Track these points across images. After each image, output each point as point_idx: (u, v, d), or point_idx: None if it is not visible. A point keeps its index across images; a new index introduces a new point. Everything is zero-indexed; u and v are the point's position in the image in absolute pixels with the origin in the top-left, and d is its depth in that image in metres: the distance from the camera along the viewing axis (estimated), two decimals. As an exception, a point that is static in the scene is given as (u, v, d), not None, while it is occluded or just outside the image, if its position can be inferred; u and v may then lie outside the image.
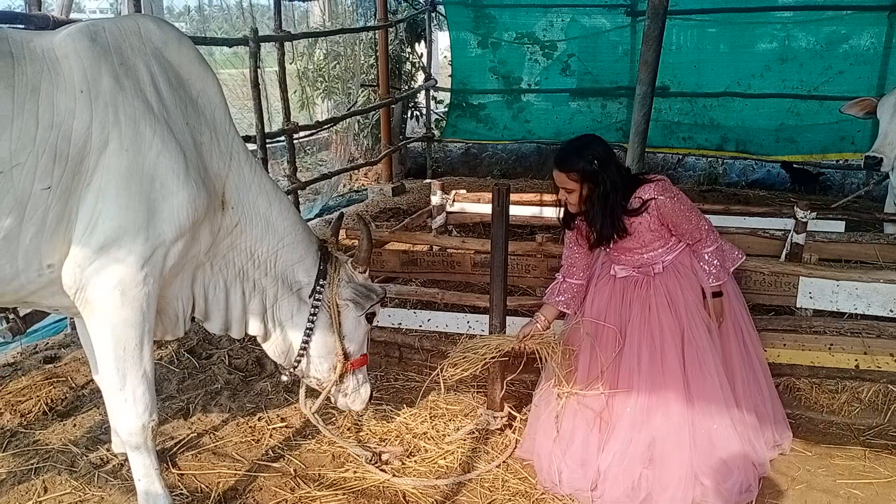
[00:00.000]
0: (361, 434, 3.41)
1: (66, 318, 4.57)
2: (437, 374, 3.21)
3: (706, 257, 3.08)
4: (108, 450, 3.19)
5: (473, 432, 3.39)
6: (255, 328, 2.91)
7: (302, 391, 3.19)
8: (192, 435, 3.38)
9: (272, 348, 2.99)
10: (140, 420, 2.48)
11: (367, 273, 3.01)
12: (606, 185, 2.93)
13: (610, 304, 3.13)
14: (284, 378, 3.08)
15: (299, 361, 2.96)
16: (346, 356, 2.96)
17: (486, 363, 3.21)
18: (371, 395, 3.18)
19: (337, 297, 2.91)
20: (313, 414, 3.14)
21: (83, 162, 2.26)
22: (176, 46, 2.51)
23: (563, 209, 3.14)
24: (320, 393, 3.08)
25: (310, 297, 2.89)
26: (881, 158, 4.23)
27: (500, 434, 3.39)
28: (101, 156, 2.28)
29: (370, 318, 3.03)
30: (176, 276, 2.62)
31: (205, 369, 4.04)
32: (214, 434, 3.40)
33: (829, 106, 7.46)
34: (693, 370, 2.97)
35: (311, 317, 2.88)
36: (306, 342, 2.91)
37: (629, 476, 2.90)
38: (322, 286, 2.90)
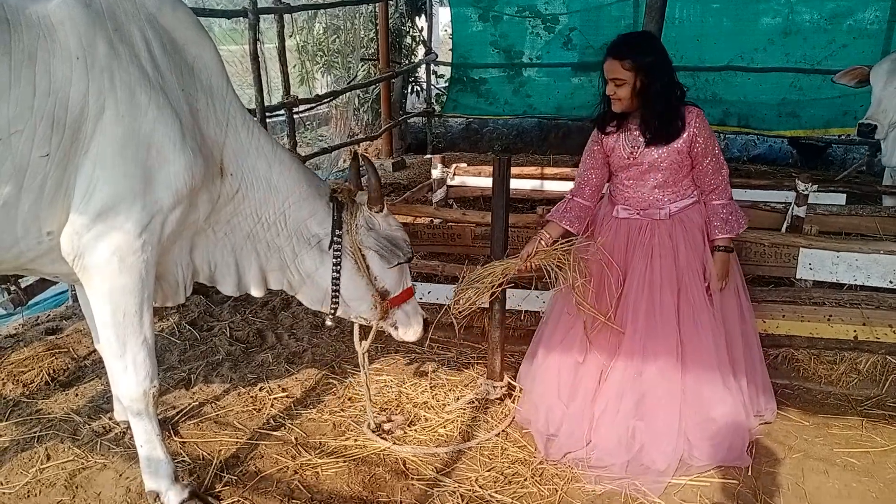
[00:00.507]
0: (361, 403, 3.43)
1: (67, 290, 4.59)
2: (446, 312, 3.20)
3: (718, 208, 3.03)
4: (110, 418, 3.21)
5: (473, 402, 3.41)
6: (277, 283, 2.94)
7: (356, 330, 3.20)
8: (193, 404, 3.40)
9: (307, 299, 3.02)
10: (141, 386, 2.49)
11: (384, 211, 2.98)
12: (662, 79, 2.85)
13: (614, 247, 3.09)
14: (329, 322, 3.08)
15: (335, 307, 2.97)
16: (382, 295, 2.99)
17: (495, 291, 3.17)
18: (426, 325, 3.17)
19: (359, 243, 2.91)
20: (362, 354, 3.16)
21: (80, 129, 2.25)
22: (171, 12, 2.48)
23: (604, 107, 3.03)
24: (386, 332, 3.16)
25: (329, 248, 2.88)
26: (875, 126, 4.21)
27: (499, 404, 3.41)
28: (97, 123, 2.26)
29: None
30: (174, 243, 2.62)
31: (206, 341, 4.06)
32: (216, 403, 3.43)
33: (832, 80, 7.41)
34: (687, 326, 2.97)
35: (334, 267, 2.88)
36: (336, 290, 2.92)
37: (622, 427, 2.93)
38: (339, 235, 2.88)
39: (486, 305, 3.30)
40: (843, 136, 7.74)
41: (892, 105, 4.20)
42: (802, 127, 7.79)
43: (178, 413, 3.32)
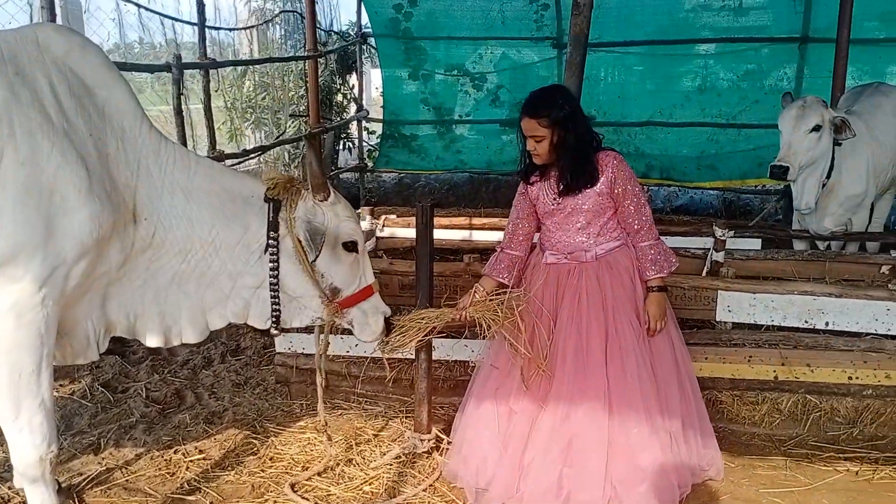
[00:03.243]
0: (283, 463, 3.29)
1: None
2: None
3: (646, 250, 3.06)
4: (9, 487, 2.98)
5: (400, 457, 3.31)
6: (221, 319, 2.77)
7: (316, 333, 3.03)
8: (101, 470, 3.19)
9: (258, 320, 2.82)
10: (37, 451, 2.33)
11: (330, 197, 2.77)
12: (578, 130, 2.94)
13: (545, 294, 3.09)
14: (273, 332, 2.86)
15: (276, 314, 2.79)
16: (332, 293, 2.82)
17: (424, 338, 3.09)
18: (387, 329, 3.01)
19: (297, 236, 2.72)
20: (318, 355, 3.01)
21: (-22, 176, 2.15)
22: (79, 54, 2.41)
23: (526, 161, 3.11)
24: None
25: (266, 252, 2.71)
26: (787, 167, 4.38)
27: (427, 457, 3.32)
28: (-4, 170, 2.17)
29: (349, 247, 2.82)
30: (83, 296, 2.49)
31: (120, 403, 3.85)
32: (126, 469, 3.23)
33: (746, 134, 7.79)
34: (614, 369, 2.95)
35: (271, 271, 2.71)
36: (275, 295, 2.75)
37: (552, 473, 2.87)
38: (274, 238, 2.70)
39: (414, 350, 3.22)
40: (758, 187, 8.09)
41: (801, 148, 4.39)
42: (721, 178, 8.11)
43: (84, 480, 3.11)
